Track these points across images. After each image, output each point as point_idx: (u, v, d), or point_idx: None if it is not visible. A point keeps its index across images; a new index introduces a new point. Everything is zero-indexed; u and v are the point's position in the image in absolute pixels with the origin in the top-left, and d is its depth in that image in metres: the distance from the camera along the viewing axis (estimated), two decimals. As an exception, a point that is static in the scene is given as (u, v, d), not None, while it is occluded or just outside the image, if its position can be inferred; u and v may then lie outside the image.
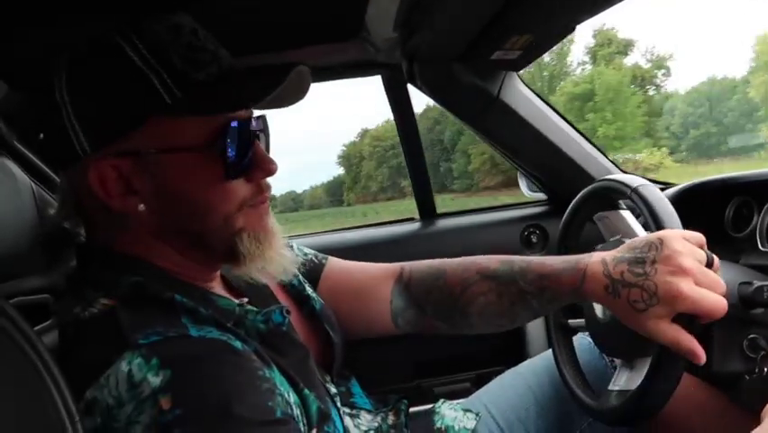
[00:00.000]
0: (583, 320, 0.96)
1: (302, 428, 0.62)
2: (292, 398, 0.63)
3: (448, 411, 0.98)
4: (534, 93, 1.35)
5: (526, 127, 1.33)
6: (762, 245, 1.06)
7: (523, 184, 1.68)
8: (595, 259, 0.73)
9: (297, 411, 0.62)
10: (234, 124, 0.63)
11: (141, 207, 0.63)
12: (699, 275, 0.68)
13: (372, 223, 1.68)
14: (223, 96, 0.62)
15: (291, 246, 0.94)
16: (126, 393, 0.52)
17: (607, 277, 0.71)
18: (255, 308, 0.69)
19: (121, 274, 0.63)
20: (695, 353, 0.66)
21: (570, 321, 1.01)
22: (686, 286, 0.66)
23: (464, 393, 1.40)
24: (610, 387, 0.89)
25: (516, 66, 1.21)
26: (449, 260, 0.90)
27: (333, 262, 0.96)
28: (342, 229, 1.65)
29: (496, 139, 1.40)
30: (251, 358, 0.59)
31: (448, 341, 1.48)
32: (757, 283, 0.87)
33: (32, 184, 0.98)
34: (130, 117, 0.61)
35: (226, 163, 0.63)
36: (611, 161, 1.45)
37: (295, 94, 0.71)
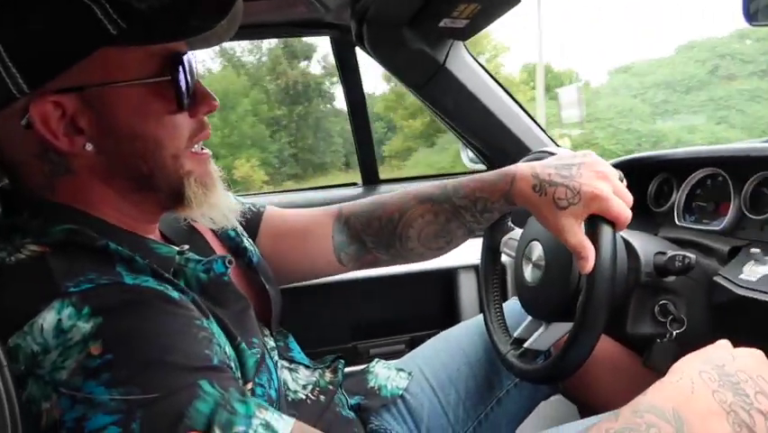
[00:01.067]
0: (512, 251, 1.01)
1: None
2: (228, 351, 0.62)
3: (381, 370, 1.01)
4: (480, 65, 1.37)
5: (470, 97, 1.36)
6: (678, 220, 1.14)
7: (464, 155, 1.71)
8: (523, 165, 0.80)
9: (231, 365, 0.61)
10: (179, 54, 0.62)
11: (89, 146, 0.60)
12: (617, 183, 0.75)
13: (314, 186, 1.68)
14: (168, 25, 0.60)
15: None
16: (53, 340, 0.50)
17: (535, 178, 0.77)
18: (197, 257, 0.69)
19: (52, 223, 0.60)
20: (588, 261, 0.71)
21: (501, 251, 1.06)
22: (606, 188, 0.73)
23: (399, 355, 1.44)
24: (518, 334, 0.96)
25: (463, 35, 1.23)
26: (385, 194, 0.93)
27: (272, 209, 0.97)
28: (282, 191, 1.64)
29: (440, 107, 1.42)
30: (188, 307, 0.58)
31: (384, 305, 1.52)
32: (670, 253, 0.94)
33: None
34: (72, 51, 0.57)
35: (178, 94, 0.62)
36: (549, 136, 1.50)
37: (222, 33, 0.68)
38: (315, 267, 0.95)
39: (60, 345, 0.50)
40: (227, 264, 0.69)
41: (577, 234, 0.73)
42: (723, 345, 0.64)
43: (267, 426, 0.52)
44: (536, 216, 0.79)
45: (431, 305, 1.57)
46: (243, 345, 0.65)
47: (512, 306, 1.07)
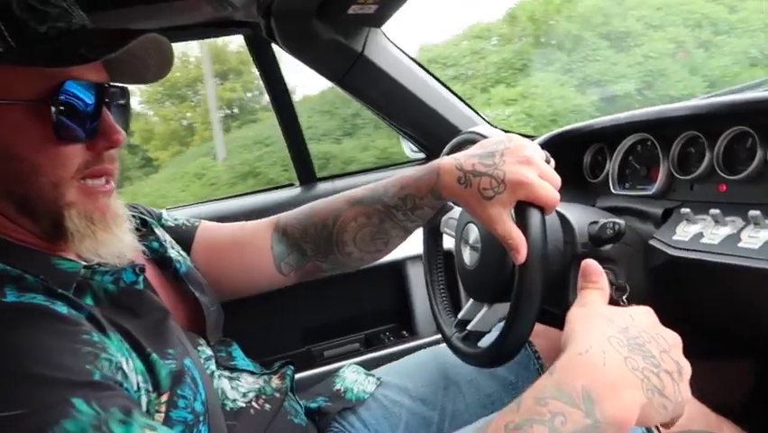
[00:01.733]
0: (452, 230, 1.00)
1: (142, 396, 0.60)
2: (132, 365, 0.60)
3: (350, 374, 1.00)
4: (401, 50, 1.34)
5: (393, 84, 1.33)
6: (613, 188, 1.14)
7: (405, 145, 1.69)
8: (447, 158, 0.78)
9: (137, 379, 0.60)
10: (73, 82, 0.61)
11: None
12: (542, 167, 0.74)
13: (250, 191, 1.63)
14: (61, 50, 0.60)
15: (161, 215, 0.93)
16: None
17: (459, 170, 0.75)
18: (105, 268, 0.67)
19: None
20: (519, 248, 0.70)
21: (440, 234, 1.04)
22: (531, 174, 0.72)
23: (355, 354, 1.42)
24: (461, 316, 0.95)
25: (377, 21, 1.20)
26: (319, 200, 0.92)
27: (206, 224, 0.97)
28: (217, 199, 1.58)
29: (365, 98, 1.39)
30: (75, 323, 0.56)
31: (335, 305, 1.49)
32: (602, 221, 0.93)
33: None
34: None
35: (56, 122, 0.59)
36: (475, 111, 1.48)
37: (158, 69, 0.69)
38: (255, 279, 0.94)
39: None
40: (137, 272, 0.69)
41: (505, 223, 0.72)
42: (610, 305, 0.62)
43: None
44: (465, 208, 0.78)
45: (383, 300, 1.54)
46: (155, 355, 0.63)
47: None
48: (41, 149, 0.60)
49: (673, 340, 0.57)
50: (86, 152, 0.63)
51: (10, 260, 0.59)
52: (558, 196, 0.73)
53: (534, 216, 0.72)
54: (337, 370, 1.02)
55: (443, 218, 1.05)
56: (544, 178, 0.73)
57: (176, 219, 0.94)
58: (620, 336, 0.54)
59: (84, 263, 0.66)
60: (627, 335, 0.55)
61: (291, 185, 1.61)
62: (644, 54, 7.04)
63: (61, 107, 0.59)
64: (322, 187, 1.56)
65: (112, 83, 0.67)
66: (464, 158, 0.76)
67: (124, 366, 0.58)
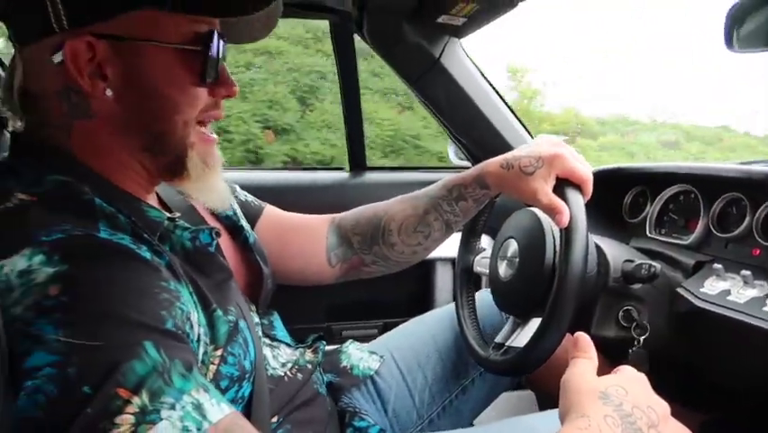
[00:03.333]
0: (486, 268, 1.05)
1: (200, 348, 0.62)
2: (197, 317, 0.63)
3: (354, 351, 1.04)
4: (474, 64, 1.40)
5: (460, 94, 1.39)
6: (649, 231, 1.19)
7: (451, 151, 1.74)
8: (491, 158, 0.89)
9: (199, 331, 0.63)
10: (217, 31, 0.65)
11: (109, 92, 0.62)
12: (574, 151, 0.85)
13: (301, 167, 1.69)
14: (212, 1, 0.64)
15: (234, 188, 0.97)
16: (17, 279, 0.52)
17: (502, 159, 0.87)
18: (185, 225, 0.70)
19: (50, 172, 0.62)
20: (563, 214, 0.79)
21: (475, 269, 1.10)
22: (566, 151, 0.83)
23: (371, 339, 1.47)
24: (499, 339, 0.98)
25: (459, 32, 1.26)
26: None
27: (271, 208, 1.01)
28: (270, 168, 1.65)
29: (431, 101, 1.45)
30: (157, 268, 0.59)
31: (361, 288, 1.54)
32: (638, 261, 0.98)
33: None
34: (121, 3, 0.60)
35: (205, 65, 0.65)
36: (527, 131, 1.53)
37: (257, 31, 0.74)
38: (307, 267, 0.98)
39: (24, 285, 0.52)
40: (213, 236, 0.72)
41: (548, 193, 0.81)
42: (611, 374, 0.66)
43: (198, 407, 0.52)
44: (509, 191, 0.86)
45: (406, 293, 1.60)
46: (219, 311, 0.66)
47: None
48: (181, 89, 0.65)
49: (663, 412, 0.61)
50: (207, 96, 0.68)
51: (107, 198, 0.62)
52: (591, 177, 0.83)
53: (574, 194, 0.81)
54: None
55: (477, 258, 1.11)
56: (576, 159, 0.83)
57: (246, 196, 0.99)
58: (615, 415, 0.58)
59: (168, 215, 0.70)
60: (621, 412, 0.58)
61: (341, 168, 1.67)
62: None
63: (206, 54, 0.64)
64: (369, 176, 1.62)
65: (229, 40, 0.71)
66: (506, 154, 0.88)
67: (191, 317, 0.61)
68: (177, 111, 0.65)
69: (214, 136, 0.72)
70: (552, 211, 0.80)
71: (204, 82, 0.66)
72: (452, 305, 1.14)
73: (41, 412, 0.49)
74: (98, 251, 0.56)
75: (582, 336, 0.68)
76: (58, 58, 0.60)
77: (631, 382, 0.63)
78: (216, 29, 0.66)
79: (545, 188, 0.81)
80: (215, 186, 0.72)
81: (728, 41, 0.83)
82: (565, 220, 0.78)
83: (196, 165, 0.69)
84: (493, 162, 0.87)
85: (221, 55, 0.67)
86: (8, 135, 0.70)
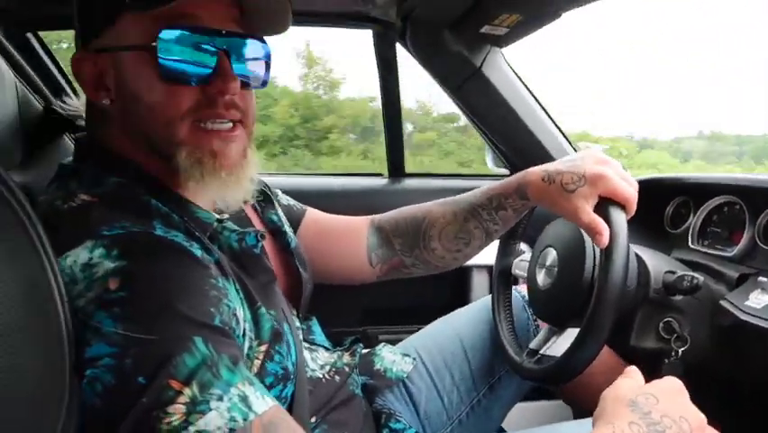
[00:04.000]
0: (524, 271, 1.05)
1: (245, 342, 0.65)
2: (243, 313, 0.65)
3: (388, 354, 1.06)
4: (515, 73, 1.40)
5: (501, 103, 1.40)
6: (692, 243, 1.17)
7: (489, 158, 1.75)
8: (534, 167, 0.87)
9: (245, 326, 0.65)
10: (179, 27, 0.64)
11: (106, 100, 0.68)
12: (619, 169, 0.82)
13: (340, 173, 1.72)
14: None
15: (277, 193, 0.99)
16: (80, 273, 0.56)
17: (543, 171, 0.85)
18: (233, 227, 0.73)
19: (108, 174, 0.66)
20: (603, 235, 0.77)
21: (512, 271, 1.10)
22: (609, 170, 0.80)
23: (406, 344, 1.49)
24: (533, 345, 0.99)
25: (501, 42, 1.27)
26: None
27: (313, 211, 1.04)
28: (309, 174, 1.69)
29: (472, 110, 1.46)
30: (207, 266, 0.61)
31: (398, 293, 1.56)
32: (680, 273, 0.97)
33: (17, 81, 0.99)
34: (102, 15, 0.66)
35: (160, 65, 0.64)
36: (569, 142, 1.53)
37: (275, 24, 0.72)
38: (347, 267, 1.00)
39: (87, 279, 0.55)
40: (259, 238, 0.74)
41: (589, 213, 0.79)
42: (641, 382, 0.66)
43: (244, 399, 0.54)
44: (549, 206, 0.84)
45: (442, 298, 1.60)
46: (263, 309, 0.68)
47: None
48: (154, 89, 0.65)
49: (697, 423, 0.61)
50: (200, 94, 0.66)
51: (160, 199, 0.66)
52: (636, 195, 0.80)
53: (616, 210, 0.79)
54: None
55: (516, 261, 1.11)
56: (621, 177, 0.80)
57: (288, 200, 1.02)
58: (641, 422, 0.59)
59: (217, 216, 0.73)
60: (649, 420, 0.59)
61: (380, 175, 1.70)
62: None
63: (164, 51, 0.63)
64: (408, 182, 1.64)
65: (231, 30, 0.68)
66: (548, 165, 0.86)
67: (237, 313, 0.63)
68: (154, 112, 0.66)
69: (233, 133, 0.69)
70: (591, 231, 0.79)
71: (167, 81, 0.64)
72: (478, 302, 1.16)
73: (98, 400, 0.53)
74: (154, 247, 0.59)
75: (633, 370, 0.68)
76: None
77: (665, 391, 0.63)
78: (189, 25, 0.64)
79: (586, 207, 0.79)
80: (213, 186, 0.69)
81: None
82: (605, 241, 0.77)
83: (185, 164, 0.66)
84: (534, 173, 0.86)
85: (193, 46, 0.65)
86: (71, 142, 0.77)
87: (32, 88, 1.08)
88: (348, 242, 1.00)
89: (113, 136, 0.69)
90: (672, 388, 0.64)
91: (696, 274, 0.97)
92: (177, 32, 0.64)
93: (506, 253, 1.10)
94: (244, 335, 0.65)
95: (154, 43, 0.63)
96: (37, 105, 1.08)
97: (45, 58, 1.19)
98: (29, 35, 1.16)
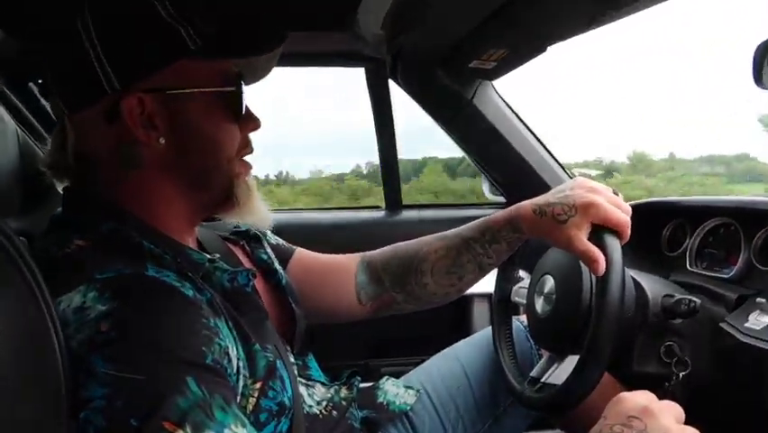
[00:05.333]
0: (524, 299, 1.05)
1: (239, 381, 0.65)
2: (236, 351, 0.65)
3: (391, 387, 1.05)
4: (505, 102, 1.43)
5: (494, 133, 1.42)
6: (689, 265, 1.17)
7: (485, 186, 1.77)
8: (525, 201, 0.89)
9: (238, 364, 0.65)
10: (235, 73, 0.73)
11: (162, 140, 0.69)
12: (610, 195, 0.83)
13: (337, 207, 1.74)
14: (234, 45, 0.73)
15: (266, 234, 1.01)
16: (72, 315, 0.56)
17: (534, 205, 0.86)
18: (225, 266, 0.75)
19: (102, 221, 0.68)
20: (598, 262, 0.77)
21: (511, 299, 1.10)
22: (600, 199, 0.81)
23: (409, 376, 1.48)
24: (534, 374, 0.98)
25: (491, 76, 1.30)
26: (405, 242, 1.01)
27: (301, 250, 1.05)
28: (307, 209, 1.70)
29: (465, 141, 1.49)
30: (198, 306, 0.62)
31: (398, 325, 1.55)
32: (678, 296, 0.97)
33: (18, 129, 1.01)
34: (159, 59, 0.68)
35: (238, 104, 0.73)
36: (564, 169, 1.55)
37: (264, 67, 0.79)
38: (337, 305, 1.00)
39: (78, 321, 0.56)
40: (250, 277, 0.76)
41: (582, 241, 0.80)
42: (642, 407, 0.63)
43: None
44: (544, 238, 0.85)
45: (444, 328, 1.60)
46: (257, 346, 0.69)
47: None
48: (222, 127, 0.73)
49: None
50: (239, 134, 0.75)
51: (153, 241, 0.68)
52: (629, 220, 0.81)
53: (610, 237, 0.79)
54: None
55: (515, 288, 1.11)
56: (613, 204, 0.81)
57: (276, 239, 1.03)
58: None
59: (209, 256, 0.75)
60: None
61: (377, 207, 1.72)
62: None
63: (239, 93, 0.72)
64: (406, 214, 1.66)
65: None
66: (538, 198, 0.87)
67: (230, 351, 0.63)
68: (221, 148, 0.73)
69: (249, 164, 0.79)
70: (586, 260, 0.79)
71: (239, 118, 0.73)
72: (482, 332, 1.15)
73: None
74: (145, 288, 0.60)
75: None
76: (110, 116, 0.68)
77: (661, 412, 0.62)
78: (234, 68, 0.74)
79: (580, 236, 0.80)
80: (258, 208, 0.79)
81: (757, 78, 0.83)
82: (601, 269, 0.77)
83: (242, 192, 0.76)
84: (525, 207, 0.87)
85: (243, 92, 0.74)
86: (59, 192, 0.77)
87: (34, 135, 1.10)
88: (336, 280, 1.00)
89: (130, 183, 0.71)
90: (668, 410, 0.63)
91: (693, 297, 0.97)
92: (241, 78, 0.73)
93: (505, 280, 1.10)
94: (238, 373, 0.65)
95: (232, 88, 0.72)
96: (38, 152, 1.10)
97: (47, 105, 1.22)
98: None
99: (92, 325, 0.55)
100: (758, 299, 0.95)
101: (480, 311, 1.56)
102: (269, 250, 0.95)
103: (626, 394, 0.65)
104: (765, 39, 0.85)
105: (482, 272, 0.95)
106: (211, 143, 0.72)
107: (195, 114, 0.70)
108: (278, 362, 0.73)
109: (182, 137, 0.70)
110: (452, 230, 0.96)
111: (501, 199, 1.70)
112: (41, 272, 0.54)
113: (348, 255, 1.04)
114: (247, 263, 0.90)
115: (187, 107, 0.70)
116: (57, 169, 0.74)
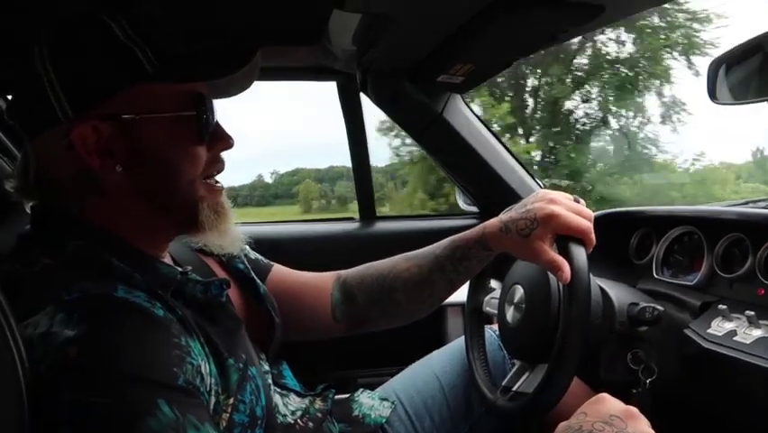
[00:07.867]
0: (495, 309, 1.07)
1: (211, 398, 0.65)
2: (208, 368, 0.65)
3: (366, 400, 1.06)
4: (475, 115, 1.45)
5: (464, 145, 1.44)
6: (656, 273, 1.19)
7: (459, 197, 1.79)
8: (492, 219, 0.90)
9: (210, 381, 0.65)
10: (205, 95, 0.71)
11: (119, 168, 0.67)
12: (570, 203, 0.85)
13: (313, 219, 1.74)
14: (196, 67, 0.70)
15: (245, 249, 1.00)
16: (39, 340, 0.55)
17: (501, 222, 0.88)
18: (196, 278, 0.75)
19: (70, 238, 0.66)
20: (563, 271, 0.79)
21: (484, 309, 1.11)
22: (559, 209, 0.83)
23: (385, 386, 1.48)
24: (506, 383, 0.99)
25: (459, 89, 1.32)
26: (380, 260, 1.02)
27: (279, 267, 1.05)
28: (282, 221, 1.70)
29: (436, 154, 1.51)
30: (168, 326, 0.62)
31: (374, 334, 1.56)
32: (642, 304, 1.00)
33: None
34: (114, 84, 0.66)
35: (200, 126, 0.70)
36: (533, 177, 1.58)
37: (241, 84, 0.78)
38: (312, 322, 1.01)
39: (45, 345, 0.55)
40: (224, 286, 0.76)
41: (547, 252, 0.82)
42: (624, 408, 0.66)
43: None
44: (510, 251, 0.87)
45: (418, 338, 1.60)
46: (231, 360, 0.69)
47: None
48: (182, 150, 0.70)
49: (627, 414, 0.63)
50: (207, 153, 0.73)
51: (124, 259, 0.66)
52: (591, 225, 0.83)
53: (574, 245, 0.81)
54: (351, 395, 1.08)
55: (486, 298, 1.13)
56: (574, 212, 0.83)
57: (255, 255, 1.03)
58: None
59: (180, 270, 0.74)
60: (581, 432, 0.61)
61: (352, 219, 1.72)
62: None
63: (200, 116, 0.70)
64: (379, 225, 1.66)
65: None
66: (504, 214, 0.89)
67: (202, 369, 0.63)
68: (179, 172, 0.71)
69: (221, 185, 0.77)
70: (552, 270, 0.81)
71: (202, 141, 0.71)
72: (455, 342, 1.16)
73: None
74: (114, 310, 0.60)
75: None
76: (67, 144, 0.65)
77: (590, 404, 0.66)
78: (204, 91, 0.72)
79: (544, 247, 0.82)
80: (228, 231, 0.77)
81: (712, 94, 0.86)
82: (567, 277, 0.78)
83: (208, 216, 0.73)
84: (492, 225, 0.89)
85: (212, 114, 0.73)
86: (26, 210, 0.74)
87: (1, 152, 1.09)
88: (312, 297, 1.01)
89: (95, 205, 0.69)
90: (596, 400, 0.67)
91: (657, 305, 0.99)
92: (204, 99, 0.71)
93: (477, 290, 1.11)
94: (210, 390, 0.65)
95: (191, 112, 0.70)
96: (6, 168, 1.09)
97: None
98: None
99: (60, 350, 0.54)
100: (720, 306, 0.97)
101: (455, 321, 1.57)
102: (245, 260, 0.95)
103: (607, 395, 0.67)
104: (717, 56, 0.88)
105: (453, 288, 0.97)
106: (169, 167, 0.70)
107: (154, 139, 0.69)
108: (251, 369, 0.73)
109: (140, 163, 0.68)
110: (424, 248, 0.97)
111: (474, 209, 1.72)
112: (8, 292, 0.53)
113: (324, 274, 1.04)
114: (221, 273, 0.90)
115: (146, 133, 0.68)
116: (22, 191, 0.73)
